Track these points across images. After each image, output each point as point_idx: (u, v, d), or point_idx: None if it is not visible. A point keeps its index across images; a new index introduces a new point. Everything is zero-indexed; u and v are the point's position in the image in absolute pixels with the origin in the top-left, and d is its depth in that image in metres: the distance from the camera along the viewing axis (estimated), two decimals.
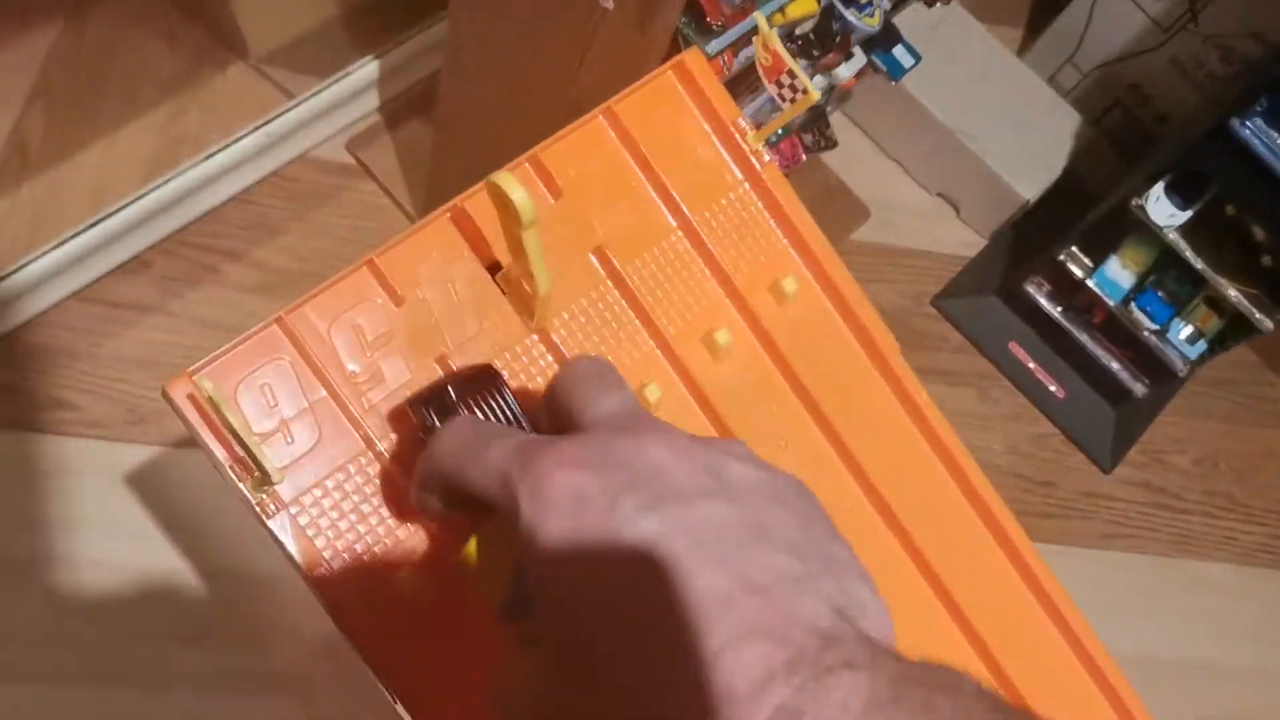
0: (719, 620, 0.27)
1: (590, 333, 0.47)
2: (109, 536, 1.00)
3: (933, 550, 0.51)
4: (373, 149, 1.25)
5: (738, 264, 0.50)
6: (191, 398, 0.39)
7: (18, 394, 1.04)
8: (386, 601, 0.42)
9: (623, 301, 0.48)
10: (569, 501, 0.30)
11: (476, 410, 0.38)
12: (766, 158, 0.50)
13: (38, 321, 1.07)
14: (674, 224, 0.49)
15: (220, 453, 0.40)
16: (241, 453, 0.39)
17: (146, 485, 1.03)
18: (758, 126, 0.50)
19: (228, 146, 1.14)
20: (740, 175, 0.50)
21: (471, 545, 0.38)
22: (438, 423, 0.38)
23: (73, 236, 1.06)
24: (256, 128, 1.16)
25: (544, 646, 0.31)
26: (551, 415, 0.36)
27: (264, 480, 0.38)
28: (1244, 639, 1.25)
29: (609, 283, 0.48)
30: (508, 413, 0.38)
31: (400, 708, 0.41)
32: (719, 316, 0.50)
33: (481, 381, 0.39)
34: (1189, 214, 1.10)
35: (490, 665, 0.34)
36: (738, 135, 0.50)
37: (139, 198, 1.09)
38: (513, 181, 0.35)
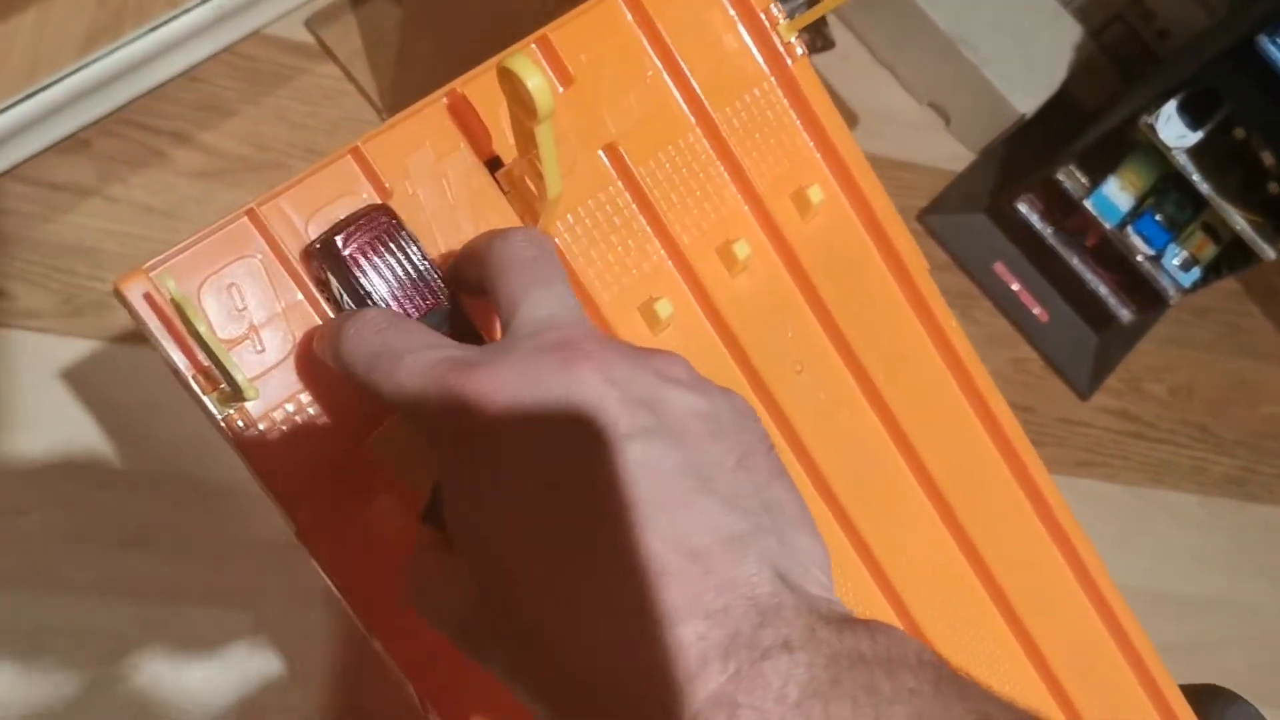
0: (653, 593, 0.25)
1: (597, 239, 0.42)
2: (43, 435, 0.94)
3: (951, 487, 0.48)
4: (335, 27, 1.16)
5: (759, 168, 0.45)
6: (148, 297, 0.35)
7: None
8: (365, 531, 0.38)
9: (634, 205, 0.43)
10: None
11: (379, 263, 0.34)
12: (800, 51, 0.45)
13: None
14: (692, 120, 0.44)
15: (182, 360, 0.35)
16: (207, 362, 0.34)
17: (85, 381, 0.97)
18: (790, 16, 0.45)
19: (176, 18, 1.05)
20: (766, 69, 0.45)
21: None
22: (332, 279, 0.34)
23: (4, 110, 0.97)
24: None
25: (468, 567, 0.28)
26: (475, 282, 0.34)
27: (235, 395, 0.34)
28: (1207, 570, 1.27)
29: (620, 184, 0.43)
30: (409, 265, 0.34)
31: (378, 644, 0.37)
32: (738, 226, 0.45)
33: (375, 227, 0.35)
34: (1199, 135, 1.06)
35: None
36: (768, 24, 0.45)
37: (77, 70, 1.00)
38: (530, 66, 0.30)
